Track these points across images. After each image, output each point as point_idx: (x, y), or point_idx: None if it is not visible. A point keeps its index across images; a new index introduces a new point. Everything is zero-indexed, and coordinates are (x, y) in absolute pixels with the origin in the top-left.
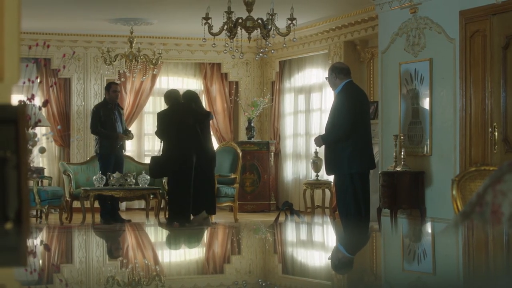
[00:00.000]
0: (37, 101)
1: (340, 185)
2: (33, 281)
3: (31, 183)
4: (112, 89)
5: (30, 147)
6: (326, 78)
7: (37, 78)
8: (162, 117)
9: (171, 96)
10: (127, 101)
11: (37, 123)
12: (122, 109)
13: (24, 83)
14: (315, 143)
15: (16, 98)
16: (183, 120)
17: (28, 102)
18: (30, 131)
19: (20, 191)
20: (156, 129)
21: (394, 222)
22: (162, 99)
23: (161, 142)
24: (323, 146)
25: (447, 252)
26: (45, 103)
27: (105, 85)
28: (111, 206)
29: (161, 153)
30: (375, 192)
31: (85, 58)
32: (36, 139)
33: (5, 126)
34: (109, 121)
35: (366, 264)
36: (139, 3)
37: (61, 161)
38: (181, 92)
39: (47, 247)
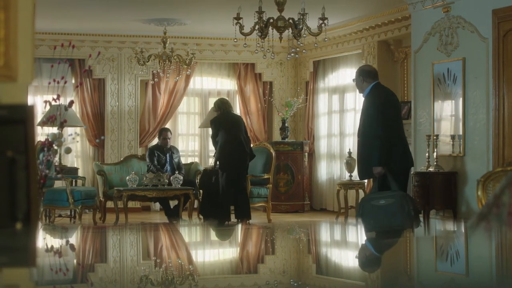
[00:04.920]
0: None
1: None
2: (59, 280)
3: (64, 183)
4: (162, 136)
5: (55, 147)
6: (353, 80)
7: (62, 78)
8: (214, 122)
9: (218, 104)
10: (161, 101)
11: (63, 123)
12: (177, 150)
13: (49, 83)
14: (372, 173)
15: (43, 99)
16: (232, 124)
17: (53, 102)
18: (56, 131)
19: (29, 191)
20: (212, 134)
21: (426, 222)
22: (196, 99)
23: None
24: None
25: (480, 253)
26: (70, 104)
27: (139, 86)
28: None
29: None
30: (408, 192)
31: (119, 58)
32: (62, 139)
33: (15, 127)
34: (159, 160)
35: (398, 265)
36: (172, 3)
37: (95, 161)
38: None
39: (72, 247)
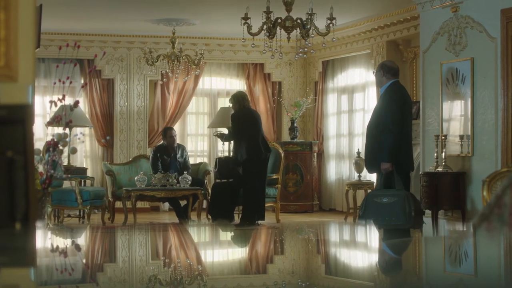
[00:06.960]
0: (81, 102)
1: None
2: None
3: (73, 183)
4: (168, 135)
5: (61, 148)
6: (373, 72)
7: (68, 78)
8: (238, 118)
9: (239, 98)
10: (170, 101)
11: (69, 124)
12: (184, 149)
13: (54, 83)
14: (382, 169)
15: (52, 99)
16: (255, 120)
17: (59, 102)
18: (61, 131)
19: (28, 191)
20: (233, 131)
21: (434, 223)
22: (205, 99)
23: (230, 143)
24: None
25: (489, 253)
26: (76, 104)
27: (148, 86)
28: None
29: (232, 153)
30: (416, 193)
31: (128, 58)
32: (67, 139)
33: (14, 127)
34: (163, 163)
35: (407, 265)
36: (181, 4)
37: (104, 161)
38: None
39: (78, 247)
